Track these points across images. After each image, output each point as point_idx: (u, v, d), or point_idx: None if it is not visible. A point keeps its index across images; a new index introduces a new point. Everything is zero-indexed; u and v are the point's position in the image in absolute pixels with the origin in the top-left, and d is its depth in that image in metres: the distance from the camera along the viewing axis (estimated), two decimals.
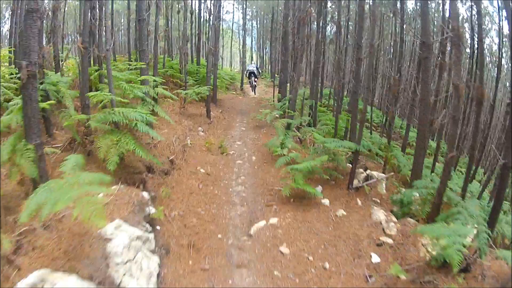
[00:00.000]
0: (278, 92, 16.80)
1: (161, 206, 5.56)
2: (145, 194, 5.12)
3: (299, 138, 9.98)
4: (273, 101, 16.07)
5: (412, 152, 9.15)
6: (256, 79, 17.29)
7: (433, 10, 14.76)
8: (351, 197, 6.61)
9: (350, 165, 7.41)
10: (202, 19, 17.78)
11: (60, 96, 6.72)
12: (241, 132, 11.75)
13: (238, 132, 11.74)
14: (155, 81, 9.00)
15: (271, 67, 31.14)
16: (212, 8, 13.74)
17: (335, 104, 13.74)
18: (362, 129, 7.38)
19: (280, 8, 30.10)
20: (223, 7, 25.59)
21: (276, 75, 30.51)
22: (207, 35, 18.47)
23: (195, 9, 18.36)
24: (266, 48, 37.52)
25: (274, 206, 6.28)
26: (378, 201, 6.57)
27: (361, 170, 7.68)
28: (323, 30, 12.90)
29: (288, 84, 14.12)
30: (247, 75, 17.33)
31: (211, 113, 12.54)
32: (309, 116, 12.98)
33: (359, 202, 6.39)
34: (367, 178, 7.24)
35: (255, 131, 12.00)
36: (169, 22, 16.91)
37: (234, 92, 21.07)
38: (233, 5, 31.07)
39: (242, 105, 16.15)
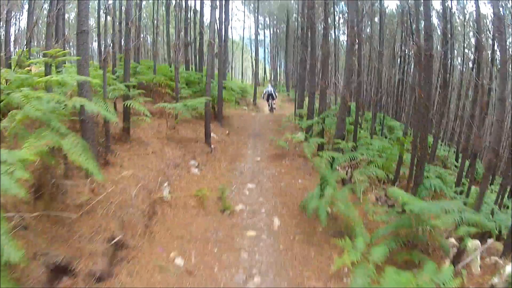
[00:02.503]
0: (296, 108, 13.08)
1: None
2: None
3: (352, 190, 5.97)
4: (294, 119, 12.15)
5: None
6: (274, 102, 15.85)
7: None
8: None
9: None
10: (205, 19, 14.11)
11: None
12: (254, 165, 7.85)
13: (250, 165, 7.84)
14: (117, 89, 5.26)
15: (286, 80, 27.36)
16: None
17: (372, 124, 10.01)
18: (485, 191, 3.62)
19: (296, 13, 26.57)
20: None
21: (291, 88, 26.82)
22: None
23: (190, 7, 14.72)
24: (280, 60, 33.83)
25: None
26: None
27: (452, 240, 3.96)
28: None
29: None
30: (265, 98, 16.15)
31: (212, 136, 8.69)
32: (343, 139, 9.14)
33: None
34: (460, 254, 3.40)
35: (275, 162, 8.09)
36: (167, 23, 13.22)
37: (246, 108, 17.27)
38: (244, 12, 27.57)
39: (256, 124, 12.27)
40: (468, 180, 10.84)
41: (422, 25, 6.75)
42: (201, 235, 4.45)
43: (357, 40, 5.45)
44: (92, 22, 18.92)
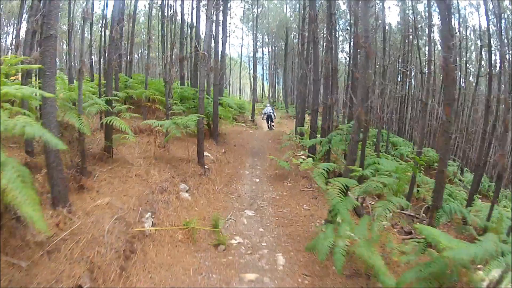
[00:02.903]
0: (296, 126, 12.38)
1: None
2: None
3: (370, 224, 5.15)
4: (295, 137, 11.41)
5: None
6: (273, 124, 15.54)
7: None
8: None
9: None
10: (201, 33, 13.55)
11: None
12: (253, 187, 7.05)
13: (249, 187, 7.03)
14: (95, 104, 4.53)
15: (285, 97, 26.83)
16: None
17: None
18: None
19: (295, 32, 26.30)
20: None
21: (290, 104, 26.24)
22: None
23: (187, 22, 14.21)
24: (278, 77, 33.46)
25: None
26: None
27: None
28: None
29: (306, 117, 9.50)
30: (264, 118, 15.96)
31: (207, 155, 7.91)
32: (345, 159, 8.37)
33: None
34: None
35: (276, 184, 7.30)
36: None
37: (244, 124, 16.57)
38: (242, 30, 27.31)
39: (254, 142, 11.53)
40: (478, 196, 10.11)
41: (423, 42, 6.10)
42: (189, 279, 3.59)
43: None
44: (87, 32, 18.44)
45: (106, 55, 6.24)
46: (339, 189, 4.36)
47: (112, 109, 5.94)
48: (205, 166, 7.19)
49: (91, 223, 3.80)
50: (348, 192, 5.91)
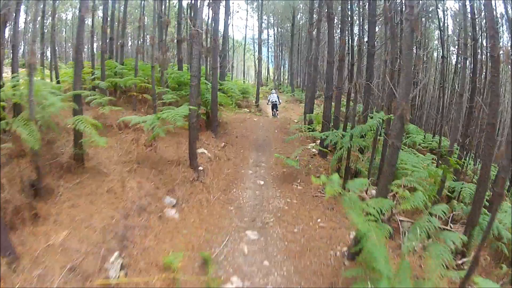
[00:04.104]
0: (305, 113, 10.99)
1: None
2: None
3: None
4: (305, 127, 10.00)
5: None
6: (277, 111, 14.53)
7: None
8: None
9: None
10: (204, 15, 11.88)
11: None
12: (256, 192, 5.77)
13: (252, 192, 5.75)
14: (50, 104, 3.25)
15: (291, 79, 25.15)
16: None
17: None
18: None
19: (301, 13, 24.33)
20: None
21: (296, 87, 24.59)
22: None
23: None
24: (284, 59, 31.58)
25: None
26: None
27: None
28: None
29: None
30: (269, 104, 14.73)
31: (203, 152, 6.63)
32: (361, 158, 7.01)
33: None
34: None
35: (283, 188, 6.03)
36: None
37: (248, 110, 15.16)
38: (247, 11, 25.39)
39: (259, 132, 10.15)
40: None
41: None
42: None
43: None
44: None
45: (76, 39, 4.84)
46: (374, 217, 3.07)
47: (80, 106, 4.58)
48: (200, 168, 5.89)
49: (37, 279, 2.57)
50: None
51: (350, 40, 7.81)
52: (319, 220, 4.87)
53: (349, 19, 7.39)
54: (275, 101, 14.29)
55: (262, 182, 6.27)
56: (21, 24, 24.10)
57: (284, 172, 6.79)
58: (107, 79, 8.04)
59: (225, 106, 9.77)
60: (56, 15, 14.49)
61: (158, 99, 6.41)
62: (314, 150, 8.30)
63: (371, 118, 5.91)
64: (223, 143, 8.12)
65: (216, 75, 7.99)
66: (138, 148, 5.69)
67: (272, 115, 14.49)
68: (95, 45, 10.75)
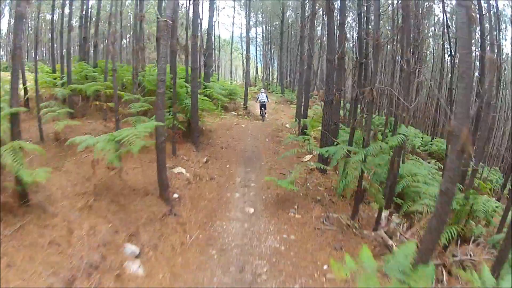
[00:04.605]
0: (298, 116, 9.94)
1: None
2: None
3: None
4: (301, 138, 8.85)
5: None
6: (266, 111, 13.90)
7: None
8: None
9: None
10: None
11: None
12: (245, 225, 4.62)
13: (239, 226, 4.59)
14: None
15: (281, 79, 24.00)
16: None
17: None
18: None
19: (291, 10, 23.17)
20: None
21: (286, 87, 23.41)
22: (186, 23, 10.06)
23: None
24: (273, 58, 30.31)
25: None
26: None
27: None
28: None
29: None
30: (257, 102, 14.17)
31: (180, 172, 5.44)
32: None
33: None
34: None
35: (278, 217, 4.91)
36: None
37: (235, 113, 13.96)
38: (234, 8, 24.04)
39: (247, 140, 8.96)
40: None
41: None
42: None
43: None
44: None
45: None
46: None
47: (17, 128, 3.34)
48: (175, 195, 4.70)
49: None
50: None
51: (361, 33, 6.64)
52: (325, 267, 3.74)
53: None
54: (264, 101, 13.67)
55: (251, 210, 5.10)
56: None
57: (278, 195, 5.64)
58: (69, 86, 6.75)
59: (209, 112, 8.58)
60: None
61: (116, 113, 5.16)
62: (311, 162, 7.19)
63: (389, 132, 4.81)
64: (206, 158, 6.92)
65: (195, 77, 6.77)
66: (98, 172, 4.45)
67: (260, 114, 13.88)
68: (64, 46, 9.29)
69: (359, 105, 6.37)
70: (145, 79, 7.82)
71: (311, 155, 7.68)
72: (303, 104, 9.80)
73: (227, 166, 6.95)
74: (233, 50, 29.45)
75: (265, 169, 6.93)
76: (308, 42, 9.45)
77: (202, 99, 8.04)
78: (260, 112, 13.83)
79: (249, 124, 11.19)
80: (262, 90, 15.55)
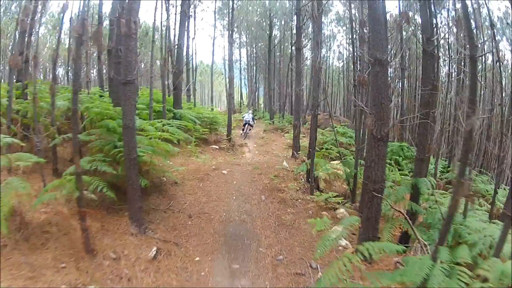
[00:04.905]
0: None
1: None
2: None
3: None
4: (299, 176, 5.63)
5: None
6: (250, 128, 14.24)
7: None
8: None
9: None
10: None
11: None
12: None
13: None
14: None
15: (269, 104, 21.04)
16: None
17: None
18: None
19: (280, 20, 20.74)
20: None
21: (275, 115, 20.41)
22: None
23: None
24: (258, 82, 27.50)
25: None
26: None
27: None
28: None
29: None
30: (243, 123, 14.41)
31: None
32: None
33: None
34: None
35: None
36: None
37: (217, 148, 10.74)
38: (215, 27, 21.32)
39: (231, 199, 5.66)
40: None
41: None
42: None
43: None
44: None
45: None
46: None
47: None
48: None
49: None
50: None
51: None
52: None
53: None
54: (249, 119, 13.92)
55: None
56: None
57: None
58: None
59: (169, 153, 5.37)
60: None
61: None
62: (342, 240, 4.07)
63: None
64: (155, 247, 3.63)
65: (129, 101, 3.62)
66: None
67: (242, 130, 13.96)
68: None
69: None
70: (88, 107, 4.66)
71: (340, 226, 4.51)
72: (313, 135, 6.73)
73: (196, 260, 3.68)
74: (216, 76, 26.67)
75: (266, 262, 3.72)
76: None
77: (156, 135, 4.89)
78: (243, 129, 13.86)
79: (233, 167, 7.82)
80: (250, 110, 15.82)
